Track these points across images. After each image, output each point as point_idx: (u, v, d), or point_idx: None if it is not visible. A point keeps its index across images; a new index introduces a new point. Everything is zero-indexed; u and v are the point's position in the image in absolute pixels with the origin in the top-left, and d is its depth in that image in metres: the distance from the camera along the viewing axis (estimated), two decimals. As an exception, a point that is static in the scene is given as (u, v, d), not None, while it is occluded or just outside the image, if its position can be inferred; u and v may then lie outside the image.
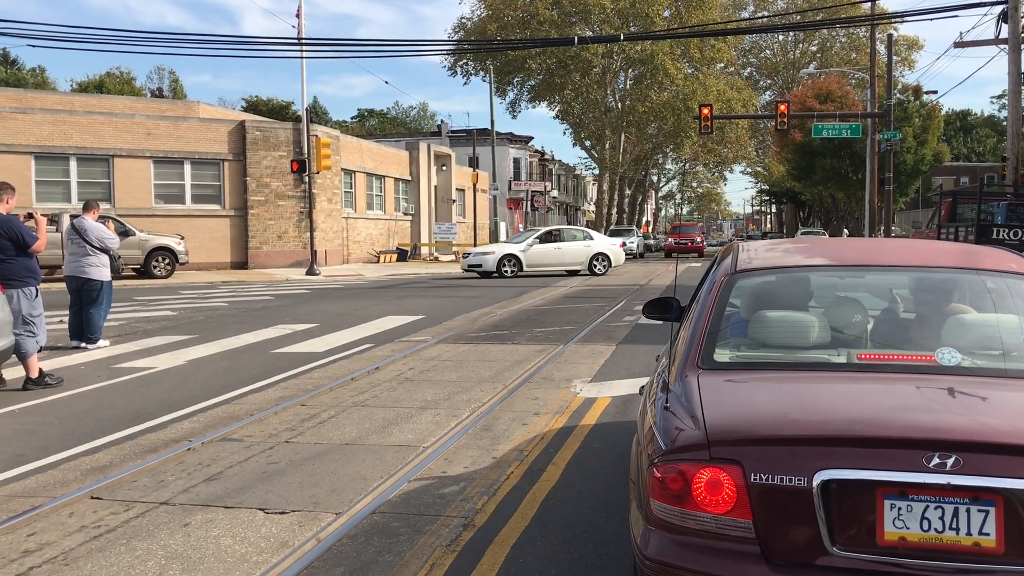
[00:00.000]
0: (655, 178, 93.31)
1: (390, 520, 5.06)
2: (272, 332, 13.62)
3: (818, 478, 2.81)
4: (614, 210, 71.20)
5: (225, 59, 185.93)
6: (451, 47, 56.06)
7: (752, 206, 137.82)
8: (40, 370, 9.24)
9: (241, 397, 8.66)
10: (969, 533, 2.75)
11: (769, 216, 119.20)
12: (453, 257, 44.41)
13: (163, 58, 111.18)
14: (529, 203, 49.80)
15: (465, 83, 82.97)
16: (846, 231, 50.92)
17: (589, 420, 7.55)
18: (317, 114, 79.31)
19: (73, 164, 29.26)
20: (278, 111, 69.31)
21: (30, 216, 9.74)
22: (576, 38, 36.83)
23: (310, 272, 28.98)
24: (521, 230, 47.07)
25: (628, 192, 77.26)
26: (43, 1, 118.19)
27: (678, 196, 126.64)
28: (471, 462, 6.25)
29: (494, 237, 41.16)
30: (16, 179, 27.13)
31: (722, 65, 66.44)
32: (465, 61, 61.12)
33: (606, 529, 4.89)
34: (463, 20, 61.80)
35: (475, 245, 40.39)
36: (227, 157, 31.85)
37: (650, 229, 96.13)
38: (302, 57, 31.19)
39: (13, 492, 5.66)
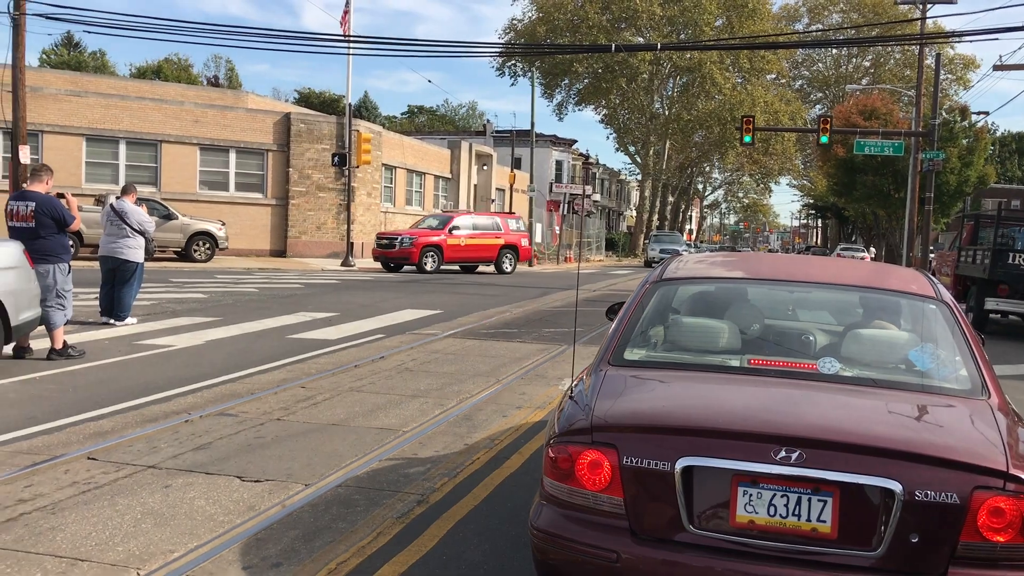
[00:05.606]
0: (700, 186, 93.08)
1: (352, 493, 5.49)
2: (292, 319, 14.16)
3: (680, 464, 3.17)
4: (655, 216, 71.24)
5: (281, 51, 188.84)
6: (498, 49, 56.63)
7: (798, 219, 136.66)
8: (64, 342, 9.84)
9: (247, 377, 9.17)
10: (809, 519, 3.10)
11: (816, 230, 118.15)
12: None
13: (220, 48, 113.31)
14: (567, 205, 50.08)
15: (512, 84, 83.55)
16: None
17: (568, 416, 7.89)
18: (367, 109, 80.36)
19: (122, 147, 30.24)
20: (329, 104, 70.34)
21: (61, 196, 10.36)
22: (614, 45, 36.93)
23: (345, 263, 29.63)
24: (558, 232, 47.33)
25: (671, 199, 77.19)
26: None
27: (723, 205, 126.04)
28: (443, 447, 6.67)
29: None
30: (67, 160, 28.29)
31: (772, 76, 66.22)
32: (513, 62, 61.67)
33: (548, 513, 5.25)
34: (514, 21, 62.53)
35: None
36: (271, 147, 32.67)
37: (694, 237, 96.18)
38: (348, 54, 31.89)
39: (19, 449, 6.20)
